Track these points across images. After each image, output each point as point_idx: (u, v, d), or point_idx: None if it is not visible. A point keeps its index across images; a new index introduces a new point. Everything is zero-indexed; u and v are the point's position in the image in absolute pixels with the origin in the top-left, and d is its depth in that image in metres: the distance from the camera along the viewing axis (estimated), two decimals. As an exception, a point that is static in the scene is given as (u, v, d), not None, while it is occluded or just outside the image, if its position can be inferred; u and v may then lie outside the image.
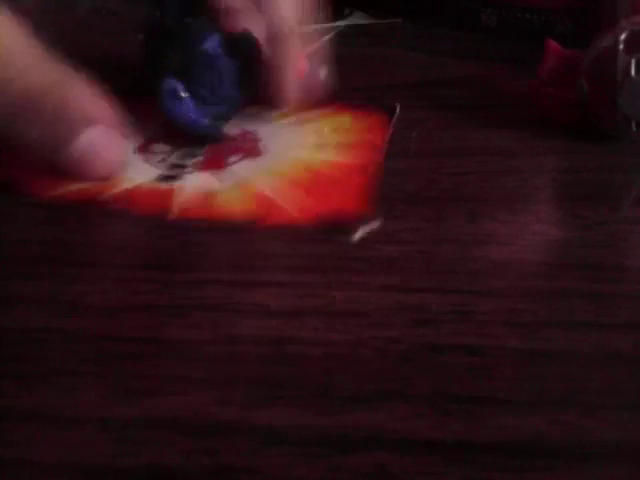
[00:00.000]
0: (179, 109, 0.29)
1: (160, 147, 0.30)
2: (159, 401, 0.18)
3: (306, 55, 0.30)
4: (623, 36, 0.29)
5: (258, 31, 0.29)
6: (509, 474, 0.16)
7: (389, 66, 0.41)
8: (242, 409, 0.17)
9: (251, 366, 0.19)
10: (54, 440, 0.17)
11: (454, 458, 0.16)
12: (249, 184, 0.27)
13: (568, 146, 0.30)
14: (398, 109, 0.34)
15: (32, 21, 0.26)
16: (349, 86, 0.36)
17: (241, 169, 0.29)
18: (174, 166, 0.29)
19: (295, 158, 0.30)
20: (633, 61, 0.28)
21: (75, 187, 0.26)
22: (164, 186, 0.27)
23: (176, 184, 0.27)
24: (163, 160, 0.29)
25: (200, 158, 0.29)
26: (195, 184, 0.27)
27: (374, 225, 0.25)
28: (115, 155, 0.27)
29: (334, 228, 0.25)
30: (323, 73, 0.31)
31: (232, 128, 0.31)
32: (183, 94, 0.29)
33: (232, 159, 0.29)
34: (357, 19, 0.49)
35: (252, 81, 0.30)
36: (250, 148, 0.30)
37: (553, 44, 0.32)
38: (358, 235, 0.24)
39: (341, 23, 0.48)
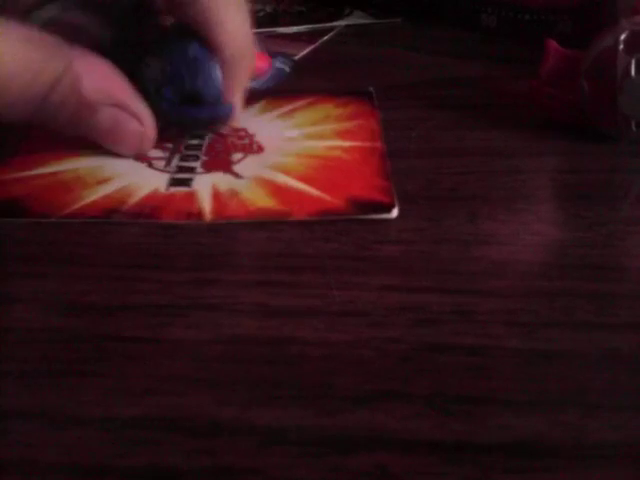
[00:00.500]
0: (186, 111, 0.29)
1: (157, 153, 0.30)
2: (159, 401, 0.18)
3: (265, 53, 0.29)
4: (623, 36, 0.29)
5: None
6: (509, 474, 0.16)
7: (389, 66, 0.41)
8: (242, 409, 0.17)
9: (251, 366, 0.19)
10: (54, 440, 0.17)
11: (454, 458, 0.16)
12: (267, 179, 0.28)
13: (568, 146, 0.30)
14: (374, 92, 0.35)
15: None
16: (349, 86, 0.37)
17: (250, 166, 0.29)
18: (182, 169, 0.29)
19: (301, 148, 0.30)
20: (633, 61, 0.28)
21: (88, 200, 0.26)
22: (182, 190, 0.27)
23: (193, 187, 0.27)
24: (168, 164, 0.29)
25: (204, 159, 0.29)
26: (212, 185, 0.27)
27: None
28: (141, 126, 0.28)
29: (371, 207, 0.25)
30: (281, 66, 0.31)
31: (221, 126, 0.32)
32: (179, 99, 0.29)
33: (236, 157, 0.29)
34: (357, 19, 0.49)
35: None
36: (249, 145, 0.30)
37: (553, 44, 0.32)
38: (395, 211, 0.25)
39: (341, 23, 0.48)
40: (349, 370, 0.19)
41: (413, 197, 0.27)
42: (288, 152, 0.30)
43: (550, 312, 0.21)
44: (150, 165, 0.29)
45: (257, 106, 0.34)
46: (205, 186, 0.27)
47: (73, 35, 0.26)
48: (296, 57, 0.42)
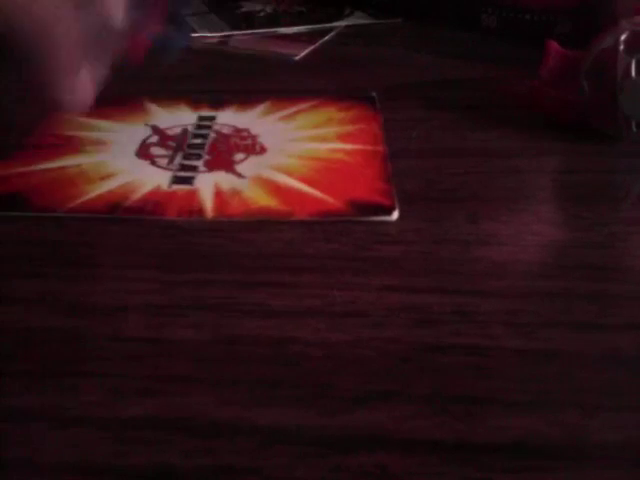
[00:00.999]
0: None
1: (159, 150, 0.30)
2: (159, 401, 0.18)
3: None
4: (623, 37, 0.29)
5: None
6: (509, 474, 0.16)
7: (389, 66, 0.41)
8: (242, 409, 0.17)
9: (251, 366, 0.19)
10: (54, 440, 0.17)
11: (454, 458, 0.16)
12: (269, 179, 0.28)
13: (568, 146, 0.30)
14: (376, 97, 0.35)
15: None
16: (349, 86, 0.37)
17: (252, 166, 0.29)
18: (184, 167, 0.29)
19: (303, 150, 0.30)
20: (633, 62, 0.28)
21: (91, 196, 0.26)
22: (184, 188, 0.27)
23: (195, 185, 0.27)
24: (170, 162, 0.29)
25: (207, 158, 0.29)
26: (214, 184, 0.27)
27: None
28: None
29: (372, 209, 0.26)
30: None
31: (224, 127, 0.32)
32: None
33: (238, 157, 0.30)
34: (357, 19, 0.49)
35: None
36: (252, 145, 0.30)
37: (553, 45, 0.32)
38: (396, 214, 0.25)
39: (341, 23, 0.48)
40: (349, 370, 0.19)
41: (413, 198, 0.27)
42: (291, 154, 0.30)
43: (550, 312, 0.21)
44: (153, 163, 0.29)
45: (261, 108, 0.34)
46: (207, 184, 0.27)
47: None
48: (296, 57, 0.42)
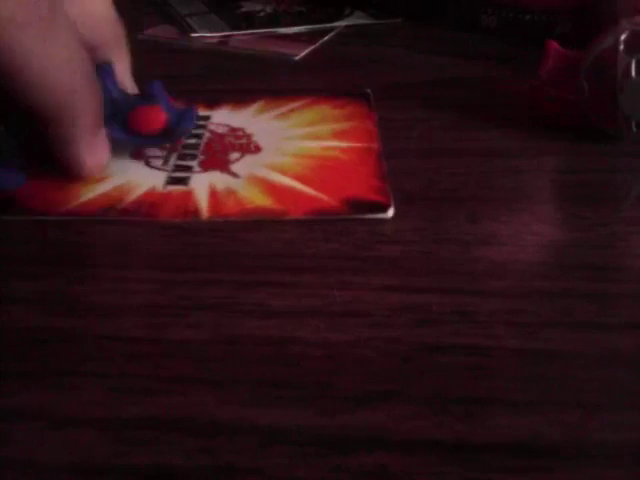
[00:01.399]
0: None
1: (155, 151, 0.30)
2: (159, 401, 0.18)
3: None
4: (623, 36, 0.29)
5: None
6: (509, 474, 0.16)
7: (389, 66, 0.41)
8: (242, 409, 0.17)
9: (251, 366, 0.19)
10: (54, 440, 0.17)
11: (454, 458, 0.16)
12: (264, 178, 0.28)
13: (568, 146, 0.30)
14: (371, 94, 0.35)
15: None
16: (349, 86, 0.37)
17: (247, 165, 0.29)
18: (179, 168, 0.29)
19: (298, 148, 0.30)
20: (633, 61, 0.28)
21: (86, 198, 0.26)
22: (179, 188, 0.27)
23: (190, 185, 0.27)
24: (165, 163, 0.29)
25: (201, 158, 0.29)
26: (209, 184, 0.27)
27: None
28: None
29: (367, 206, 0.26)
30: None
31: (219, 126, 0.32)
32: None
33: (233, 156, 0.30)
34: (357, 19, 0.49)
35: None
36: (247, 144, 0.30)
37: (553, 45, 0.32)
38: (391, 211, 0.25)
39: (341, 23, 0.48)
40: (349, 370, 0.19)
41: (413, 197, 0.27)
42: (285, 152, 0.30)
43: (550, 312, 0.21)
44: (147, 163, 0.29)
45: (255, 106, 0.34)
46: (202, 185, 0.27)
47: None
48: (296, 57, 0.42)
